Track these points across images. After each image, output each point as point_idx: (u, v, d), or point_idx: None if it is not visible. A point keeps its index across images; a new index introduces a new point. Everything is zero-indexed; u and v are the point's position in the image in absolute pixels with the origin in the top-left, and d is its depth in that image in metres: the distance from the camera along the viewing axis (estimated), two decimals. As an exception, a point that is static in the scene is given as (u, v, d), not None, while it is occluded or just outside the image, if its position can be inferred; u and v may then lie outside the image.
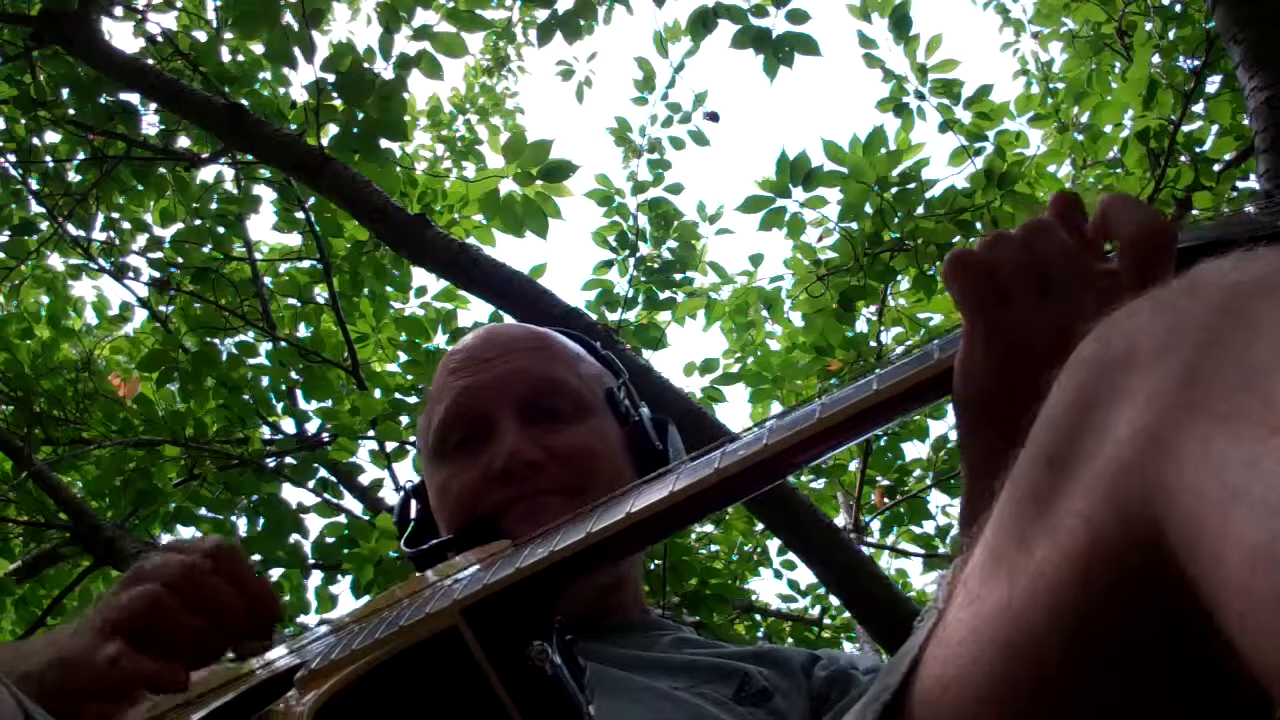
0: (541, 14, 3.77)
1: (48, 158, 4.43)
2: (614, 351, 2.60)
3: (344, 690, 0.76)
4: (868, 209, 4.13)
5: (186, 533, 4.61)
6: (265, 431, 4.69)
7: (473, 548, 1.05)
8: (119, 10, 4.04)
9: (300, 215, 4.49)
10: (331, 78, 3.39)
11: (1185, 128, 4.30)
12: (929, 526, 5.14)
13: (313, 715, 0.75)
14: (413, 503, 1.20)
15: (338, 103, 3.49)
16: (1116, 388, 0.52)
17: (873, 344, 4.41)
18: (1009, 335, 0.75)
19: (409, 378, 4.33)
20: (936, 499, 5.28)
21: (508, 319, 3.79)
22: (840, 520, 4.78)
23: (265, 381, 4.62)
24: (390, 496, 4.51)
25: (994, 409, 0.76)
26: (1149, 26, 4.70)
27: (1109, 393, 0.52)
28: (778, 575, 5.23)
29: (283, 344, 4.58)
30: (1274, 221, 0.74)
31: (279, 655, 0.89)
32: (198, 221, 4.69)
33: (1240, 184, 4.26)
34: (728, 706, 0.96)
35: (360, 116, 3.45)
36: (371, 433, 4.11)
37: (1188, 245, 0.76)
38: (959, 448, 0.83)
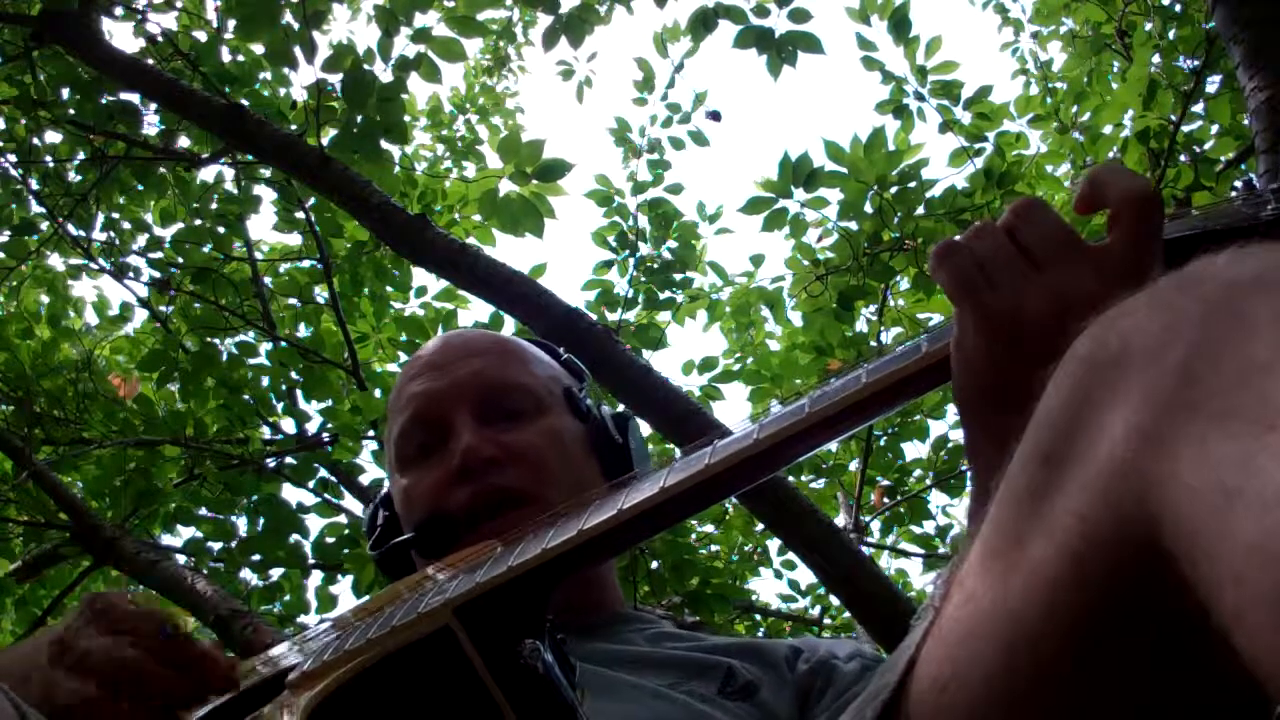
0: (544, 16, 3.76)
1: (48, 158, 4.43)
2: (614, 352, 2.61)
3: (337, 691, 0.76)
4: (868, 208, 4.14)
5: (187, 533, 4.62)
6: (265, 431, 4.70)
7: (432, 545, 1.05)
8: (119, 10, 4.04)
9: (300, 215, 4.49)
10: (334, 79, 3.39)
11: (1185, 128, 4.29)
12: (929, 526, 5.15)
13: (306, 717, 0.75)
14: (380, 512, 1.21)
15: (338, 104, 3.49)
16: (1112, 386, 0.51)
17: (873, 344, 4.41)
18: (1000, 317, 0.74)
19: (410, 378, 4.33)
20: (936, 499, 5.30)
21: (508, 320, 3.80)
22: (840, 520, 4.77)
23: (265, 381, 4.62)
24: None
25: (994, 402, 0.75)
26: (1149, 26, 4.70)
27: (1104, 391, 0.52)
28: (778, 575, 5.24)
29: (283, 344, 4.59)
30: (1256, 214, 0.74)
31: (279, 654, 0.89)
32: (198, 221, 4.70)
33: (1239, 184, 4.26)
34: (715, 702, 0.96)
35: (360, 118, 3.45)
36: (372, 433, 4.11)
37: (1171, 237, 0.76)
38: (966, 453, 0.82)
